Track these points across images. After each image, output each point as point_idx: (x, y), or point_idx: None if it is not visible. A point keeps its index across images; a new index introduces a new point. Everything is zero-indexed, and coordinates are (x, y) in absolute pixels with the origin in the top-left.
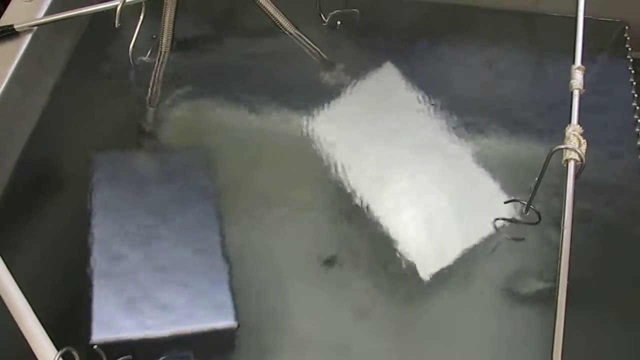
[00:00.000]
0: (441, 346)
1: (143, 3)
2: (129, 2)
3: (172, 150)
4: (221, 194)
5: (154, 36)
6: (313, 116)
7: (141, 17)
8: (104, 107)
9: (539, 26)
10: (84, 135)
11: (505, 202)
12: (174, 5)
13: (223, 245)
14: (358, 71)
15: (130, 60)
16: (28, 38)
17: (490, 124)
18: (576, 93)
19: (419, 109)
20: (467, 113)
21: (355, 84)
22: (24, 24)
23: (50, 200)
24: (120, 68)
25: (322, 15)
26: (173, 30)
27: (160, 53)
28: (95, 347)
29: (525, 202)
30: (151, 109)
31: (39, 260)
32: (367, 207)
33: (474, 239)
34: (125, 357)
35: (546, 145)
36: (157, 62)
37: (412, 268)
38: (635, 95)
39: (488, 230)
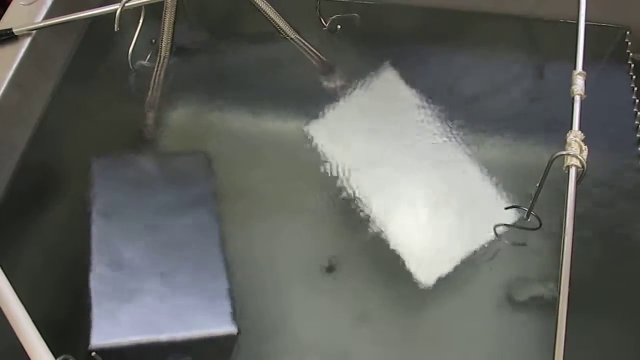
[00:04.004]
0: (441, 352)
1: (142, 7)
2: (128, 6)
3: (171, 154)
4: (221, 199)
5: (153, 40)
6: (313, 120)
7: (141, 21)
8: (103, 111)
9: (539, 31)
10: (84, 139)
11: (506, 208)
12: (174, 9)
13: (223, 250)
14: (358, 75)
15: (130, 65)
16: (27, 42)
17: (490, 129)
18: (577, 99)
19: (419, 113)
20: (467, 118)
21: (355, 88)
22: (22, 28)
23: (49, 205)
24: (120, 72)
25: (322, 20)
26: (173, 34)
27: (160, 57)
28: (93, 354)
29: (526, 208)
30: (151, 114)
31: (38, 265)
32: (367, 212)
33: (475, 245)
34: None
35: (547, 151)
36: (156, 67)
37: (412, 274)
38: (636, 101)
39: (489, 236)
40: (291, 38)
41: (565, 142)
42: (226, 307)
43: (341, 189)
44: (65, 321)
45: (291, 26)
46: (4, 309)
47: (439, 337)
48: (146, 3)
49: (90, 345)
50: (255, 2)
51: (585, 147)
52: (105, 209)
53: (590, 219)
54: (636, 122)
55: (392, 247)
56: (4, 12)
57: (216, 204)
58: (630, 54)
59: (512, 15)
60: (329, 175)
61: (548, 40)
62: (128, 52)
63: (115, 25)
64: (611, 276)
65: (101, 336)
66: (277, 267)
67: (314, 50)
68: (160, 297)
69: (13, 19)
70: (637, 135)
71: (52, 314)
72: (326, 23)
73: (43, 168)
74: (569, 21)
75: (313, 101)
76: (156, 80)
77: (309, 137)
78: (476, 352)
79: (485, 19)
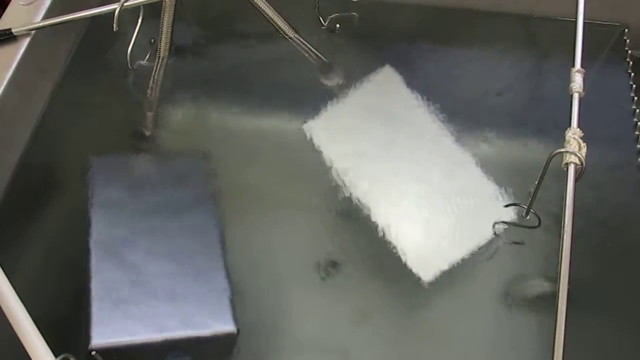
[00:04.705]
0: (441, 350)
1: (141, 7)
2: (127, 5)
3: (170, 154)
4: (220, 198)
5: (152, 40)
6: (312, 120)
7: (139, 20)
8: (102, 111)
9: (538, 29)
10: (83, 139)
11: (505, 206)
12: (173, 9)
13: (222, 249)
14: (357, 74)
15: (129, 64)
16: (26, 42)
17: (489, 127)
18: (576, 96)
19: (418, 112)
20: (466, 116)
21: (354, 87)
22: (22, 28)
23: (49, 204)
24: (119, 72)
25: (321, 19)
26: (171, 34)
27: (159, 57)
28: (93, 353)
29: (525, 206)
30: (149, 113)
31: (38, 265)
32: (367, 211)
33: (474, 243)
34: None
35: (546, 148)
36: (155, 66)
37: (411, 272)
38: (635, 98)
39: (488, 234)
40: (290, 37)
41: (564, 139)
42: (226, 306)
43: (340, 188)
44: (66, 320)
45: (290, 25)
46: (4, 308)
47: (438, 335)
48: (145, 3)
49: (90, 345)
50: (254, 2)
51: (584, 144)
52: (105, 208)
53: (590, 216)
54: (635, 119)
55: (391, 245)
56: (3, 12)
57: (215, 203)
58: (629, 52)
59: (511, 14)
60: (328, 174)
61: (547, 38)
62: (127, 51)
63: (114, 25)
64: (610, 274)
65: (101, 335)
66: (276, 266)
67: (313, 49)
68: (160, 297)
69: (12, 19)
70: (636, 133)
71: (52, 313)
72: (325, 22)
73: (43, 168)
74: (567, 19)
75: (312, 100)
76: (155, 80)
77: (308, 136)
78: (475, 350)
79: (484, 18)
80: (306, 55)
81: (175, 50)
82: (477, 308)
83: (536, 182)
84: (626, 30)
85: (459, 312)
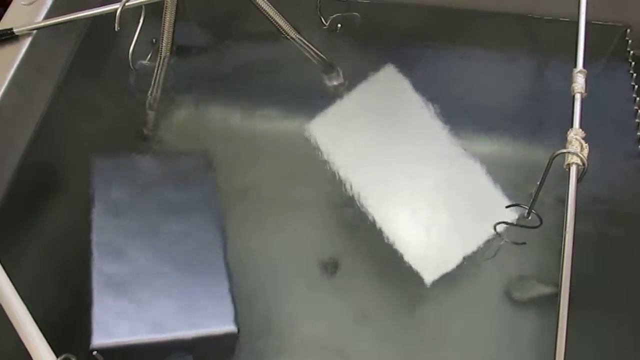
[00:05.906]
0: (442, 350)
1: (143, 7)
2: (128, 5)
3: (172, 154)
4: (222, 198)
5: (154, 40)
6: (314, 119)
7: (141, 20)
8: (103, 111)
9: (539, 30)
10: (84, 139)
11: (506, 207)
12: (174, 9)
13: (224, 249)
14: (359, 74)
15: (130, 64)
16: (27, 42)
17: (491, 127)
18: (578, 97)
19: (420, 112)
20: (467, 116)
21: (356, 87)
22: (23, 28)
23: (50, 204)
24: (120, 72)
25: (323, 19)
26: (173, 34)
27: (160, 57)
28: (94, 352)
29: (527, 207)
30: (151, 113)
31: (39, 265)
32: (368, 211)
33: (475, 243)
34: None
35: (548, 149)
36: (157, 66)
37: (413, 272)
38: (637, 99)
39: (490, 234)
40: (292, 37)
41: (566, 140)
42: (227, 306)
43: (342, 188)
44: (67, 320)
45: (292, 25)
46: (5, 308)
47: (439, 335)
48: (146, 3)
49: (91, 345)
50: (255, 2)
51: (586, 145)
52: (106, 208)
53: (591, 216)
54: (636, 120)
55: (392, 245)
56: (5, 11)
57: (217, 203)
58: (631, 52)
59: (512, 14)
60: (330, 174)
61: (548, 39)
62: (128, 51)
63: (116, 25)
64: (611, 274)
65: (102, 335)
66: (277, 266)
67: (314, 49)
68: (161, 297)
69: (14, 19)
70: (638, 134)
71: (53, 313)
72: (327, 22)
73: (44, 168)
74: (569, 20)
75: (313, 100)
76: (157, 79)
77: (309, 137)
78: (477, 349)
79: (485, 18)
80: (308, 55)
81: (177, 50)
82: (478, 308)
83: (538, 183)
84: (628, 30)
85: (461, 312)
